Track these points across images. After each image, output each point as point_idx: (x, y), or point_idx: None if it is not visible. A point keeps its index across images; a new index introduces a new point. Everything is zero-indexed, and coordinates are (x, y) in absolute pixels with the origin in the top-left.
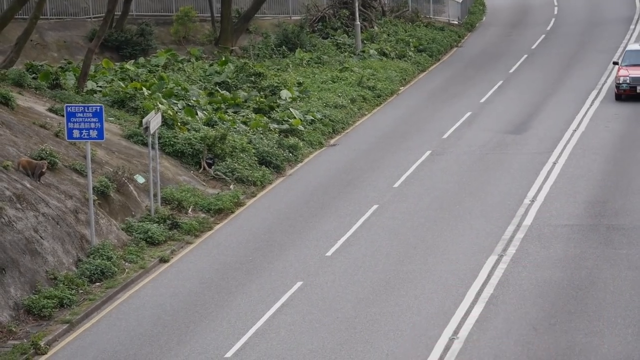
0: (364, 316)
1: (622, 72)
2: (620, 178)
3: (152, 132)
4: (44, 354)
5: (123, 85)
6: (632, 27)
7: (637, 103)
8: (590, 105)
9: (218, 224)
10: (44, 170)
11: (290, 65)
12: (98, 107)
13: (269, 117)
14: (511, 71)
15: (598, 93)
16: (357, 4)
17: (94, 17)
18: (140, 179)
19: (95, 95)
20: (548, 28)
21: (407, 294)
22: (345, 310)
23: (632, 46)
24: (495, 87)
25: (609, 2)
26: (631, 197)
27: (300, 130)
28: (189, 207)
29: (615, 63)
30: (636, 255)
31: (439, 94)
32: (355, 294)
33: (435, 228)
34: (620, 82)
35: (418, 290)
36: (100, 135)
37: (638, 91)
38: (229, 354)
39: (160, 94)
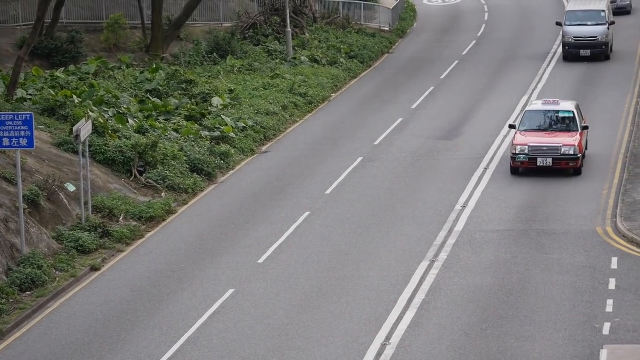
0: (296, 323)
1: (519, 138)
2: (550, 183)
3: (82, 139)
4: None
5: (53, 93)
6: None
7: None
8: (522, 110)
9: (149, 231)
10: None
11: (222, 72)
12: (28, 115)
13: (200, 124)
14: (442, 77)
15: (528, 99)
16: (288, 11)
17: (23, 25)
18: (71, 187)
19: (25, 103)
20: (479, 34)
21: (339, 300)
22: (277, 317)
23: (533, 105)
24: (426, 93)
25: (539, 8)
26: (561, 202)
27: (232, 137)
28: (120, 215)
29: (511, 126)
30: (566, 260)
31: (370, 100)
32: (288, 300)
33: (367, 234)
34: (517, 151)
35: (350, 297)
36: (30, 143)
37: (539, 164)
38: None
39: (90, 102)
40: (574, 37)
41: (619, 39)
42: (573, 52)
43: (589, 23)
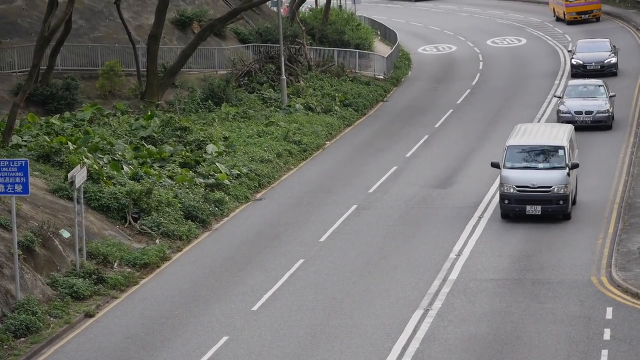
0: None
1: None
2: (544, 233)
3: (77, 186)
4: None
5: (48, 140)
6: (556, 82)
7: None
8: None
9: (144, 278)
10: None
11: (216, 120)
12: (23, 162)
13: (195, 172)
14: (437, 125)
15: None
16: (283, 59)
17: (19, 72)
18: (66, 234)
19: (20, 149)
20: (473, 83)
21: (333, 348)
22: None
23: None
24: (421, 141)
25: (534, 57)
26: (556, 252)
27: (227, 185)
28: (115, 261)
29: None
30: (561, 310)
31: (364, 149)
32: (282, 348)
33: (362, 282)
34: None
35: (344, 345)
36: (25, 190)
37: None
38: None
39: (85, 149)
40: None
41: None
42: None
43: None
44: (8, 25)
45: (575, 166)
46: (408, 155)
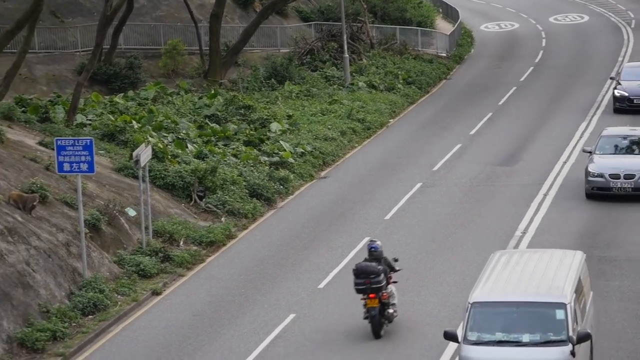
0: (357, 349)
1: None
2: (611, 209)
3: (142, 165)
4: None
5: (112, 119)
6: (619, 59)
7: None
8: (580, 137)
9: (210, 256)
10: (35, 203)
11: (280, 98)
12: (88, 141)
13: (259, 150)
14: (500, 103)
15: (587, 124)
16: (345, 37)
17: (82, 51)
18: (132, 212)
19: (85, 128)
20: (536, 60)
21: (400, 326)
22: (339, 343)
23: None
24: (485, 119)
25: (596, 35)
26: (623, 229)
27: (291, 163)
28: (181, 239)
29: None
30: (628, 287)
31: (428, 126)
32: (348, 326)
33: (427, 260)
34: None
35: (411, 323)
36: (91, 169)
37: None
38: None
39: (150, 127)
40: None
41: None
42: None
43: None
44: (71, 4)
45: (584, 338)
46: (472, 132)
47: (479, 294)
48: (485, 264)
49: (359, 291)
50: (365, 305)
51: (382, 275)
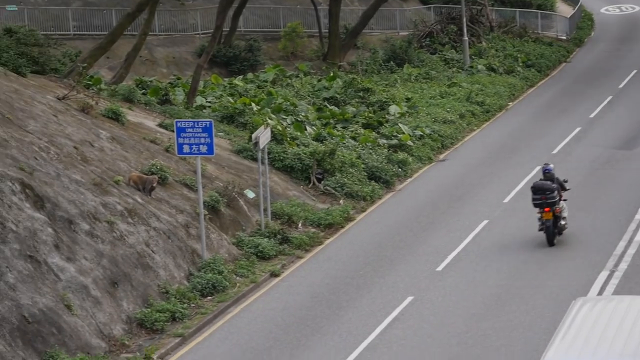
0: (475, 331)
1: None
2: None
3: (261, 147)
4: None
5: (232, 101)
6: None
7: None
8: None
9: (328, 238)
10: (154, 185)
11: (399, 81)
12: (208, 123)
13: (378, 132)
14: (620, 86)
15: None
16: (464, 20)
17: (202, 33)
18: (250, 194)
19: (204, 110)
20: None
21: (519, 309)
22: (457, 325)
23: None
24: (605, 102)
25: None
26: None
27: (409, 146)
28: (299, 221)
29: None
30: None
31: (547, 110)
32: (466, 309)
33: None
34: None
35: (529, 306)
36: (210, 151)
37: None
38: None
39: (269, 109)
40: None
41: None
42: None
43: None
44: None
45: None
46: (592, 116)
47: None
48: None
49: (536, 205)
50: (540, 218)
51: (556, 192)
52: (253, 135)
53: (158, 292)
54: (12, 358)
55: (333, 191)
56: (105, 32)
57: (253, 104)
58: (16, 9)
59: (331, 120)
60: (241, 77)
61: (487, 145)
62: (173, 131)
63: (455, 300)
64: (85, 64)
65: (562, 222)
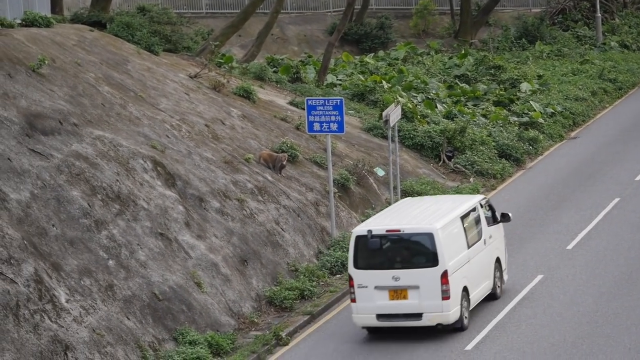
0: (606, 310)
1: None
2: None
3: (392, 125)
4: (285, 345)
5: (363, 79)
6: None
7: None
8: None
9: None
10: (284, 163)
11: (530, 58)
12: (338, 100)
13: (509, 110)
14: None
15: None
16: None
17: (334, 11)
18: (380, 172)
19: (335, 88)
20: None
21: None
22: (587, 304)
23: None
24: None
25: None
26: None
27: (541, 123)
28: None
29: None
30: None
31: None
32: (597, 287)
33: None
34: None
35: None
36: (341, 129)
37: None
38: (469, 347)
39: (399, 87)
40: None
41: None
42: None
43: None
44: None
45: None
46: None
47: None
48: None
49: None
50: None
51: None
52: (384, 113)
53: (287, 270)
54: (143, 335)
55: (463, 169)
56: (237, 10)
57: (384, 82)
58: None
59: (462, 98)
60: (372, 54)
61: (618, 123)
62: (303, 109)
63: (585, 278)
64: (217, 42)
65: None
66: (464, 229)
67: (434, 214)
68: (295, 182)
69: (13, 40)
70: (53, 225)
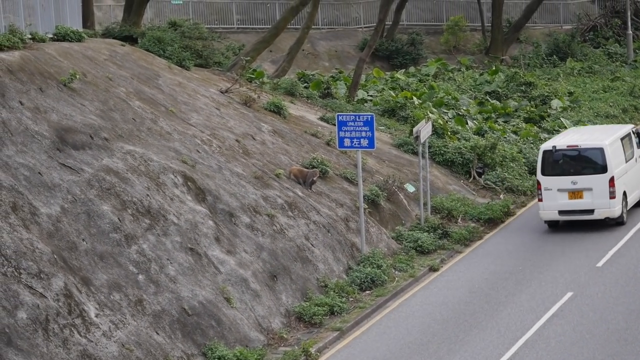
0: (636, 328)
1: None
2: None
3: (422, 141)
4: None
5: (393, 95)
6: None
7: None
8: None
9: (488, 233)
10: (315, 178)
11: (561, 75)
12: (369, 116)
13: (540, 127)
14: None
15: None
16: (629, 13)
17: (364, 27)
18: (411, 188)
19: (365, 104)
20: None
21: None
22: (616, 322)
23: None
24: None
25: None
26: None
27: None
28: (459, 216)
29: None
30: None
31: None
32: (627, 305)
33: None
34: None
35: None
36: (371, 144)
37: None
38: None
39: (430, 103)
40: None
41: None
42: None
43: None
44: None
45: None
46: None
47: None
48: None
49: None
50: None
51: None
52: (414, 129)
53: (317, 286)
54: (172, 350)
55: (493, 185)
56: (268, 26)
57: (414, 98)
58: (181, 2)
59: (493, 115)
60: (403, 70)
61: None
62: (334, 125)
63: (615, 296)
64: (249, 58)
65: None
66: (623, 147)
67: (602, 135)
68: (325, 198)
69: (45, 54)
70: (83, 240)
